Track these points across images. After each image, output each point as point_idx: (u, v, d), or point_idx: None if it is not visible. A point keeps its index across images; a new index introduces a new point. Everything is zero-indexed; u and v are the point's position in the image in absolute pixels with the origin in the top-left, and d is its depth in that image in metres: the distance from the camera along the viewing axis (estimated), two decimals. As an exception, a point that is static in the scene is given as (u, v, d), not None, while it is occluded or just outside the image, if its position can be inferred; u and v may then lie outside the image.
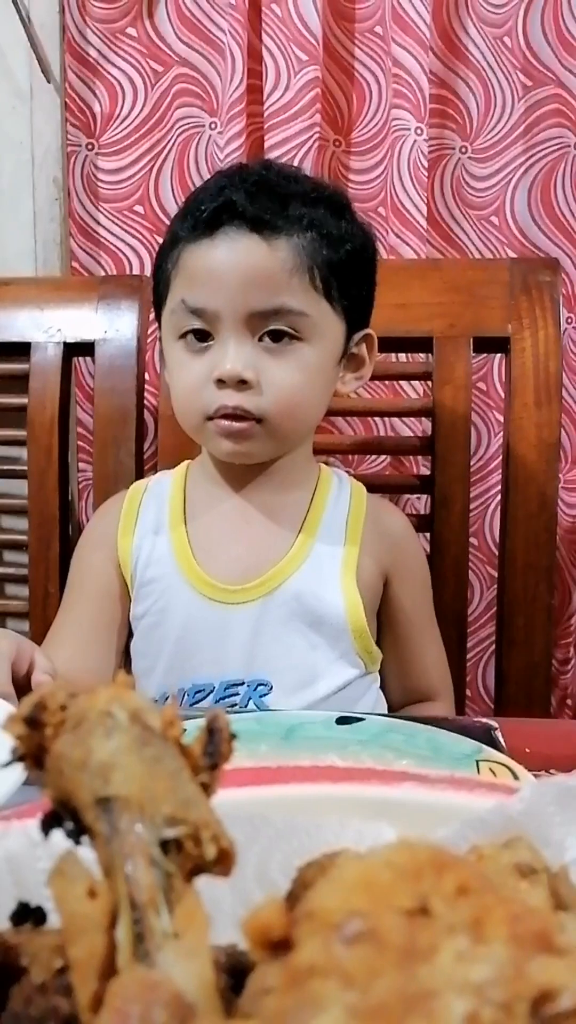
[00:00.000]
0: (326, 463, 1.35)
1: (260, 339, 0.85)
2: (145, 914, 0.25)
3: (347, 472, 1.13)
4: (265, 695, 0.90)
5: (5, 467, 1.28)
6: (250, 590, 0.91)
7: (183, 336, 0.87)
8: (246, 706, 0.89)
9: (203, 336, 0.86)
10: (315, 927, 0.21)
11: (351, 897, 0.21)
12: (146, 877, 0.26)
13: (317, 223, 0.87)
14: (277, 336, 0.85)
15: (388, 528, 0.98)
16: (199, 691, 0.91)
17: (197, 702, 0.90)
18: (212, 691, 0.90)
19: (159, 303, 0.93)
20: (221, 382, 0.85)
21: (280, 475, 0.94)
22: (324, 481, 0.98)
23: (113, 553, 0.96)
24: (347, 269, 0.89)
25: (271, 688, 0.90)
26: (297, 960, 0.21)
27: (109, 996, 0.24)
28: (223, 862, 0.27)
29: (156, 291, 0.94)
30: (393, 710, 1.00)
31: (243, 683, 0.90)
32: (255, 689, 0.90)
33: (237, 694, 0.90)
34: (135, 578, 0.95)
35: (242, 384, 0.84)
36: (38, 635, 1.19)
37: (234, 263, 0.84)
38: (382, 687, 1.00)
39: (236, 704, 0.89)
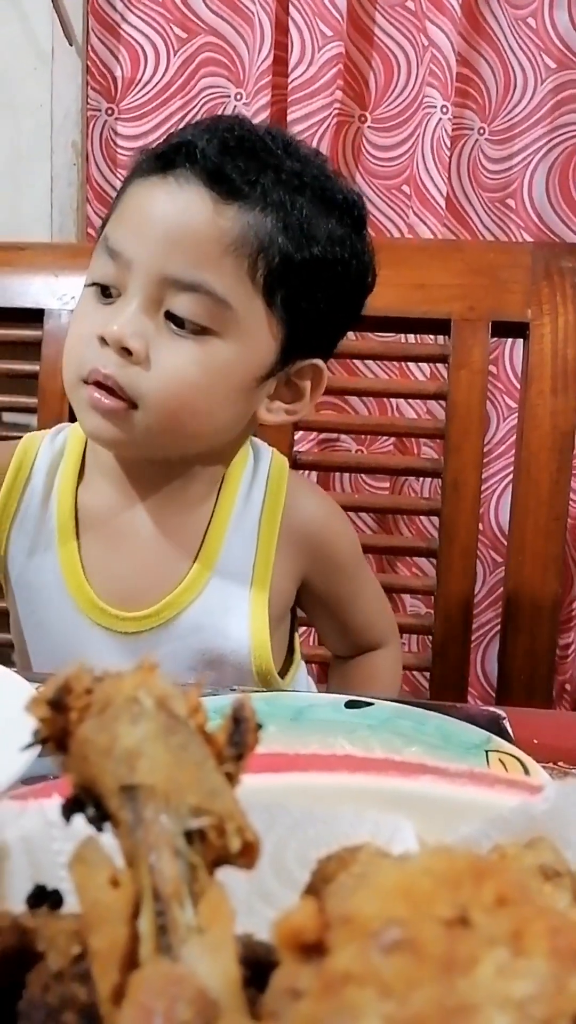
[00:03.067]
0: (336, 441, 1.35)
1: (167, 315, 0.72)
2: (169, 906, 0.25)
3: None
4: None
5: (15, 434, 1.25)
6: (141, 620, 0.81)
7: (93, 284, 0.75)
8: None
9: (104, 291, 0.74)
10: (351, 933, 0.20)
11: (389, 904, 0.21)
12: (170, 868, 0.25)
13: (290, 208, 0.72)
14: (183, 322, 0.72)
15: (308, 523, 0.86)
16: None
17: None
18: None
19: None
20: (104, 342, 0.71)
21: (180, 481, 0.81)
22: (234, 472, 0.84)
23: None
24: (308, 275, 0.74)
25: None
26: (332, 966, 0.20)
27: (132, 989, 0.23)
28: (247, 854, 0.27)
29: (101, 226, 0.80)
30: (338, 661, 0.96)
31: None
32: None
33: None
34: (11, 567, 0.83)
35: (126, 353, 0.71)
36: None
37: (167, 212, 0.71)
38: (322, 642, 0.95)
39: None
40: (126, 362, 0.71)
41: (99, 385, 0.72)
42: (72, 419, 1.18)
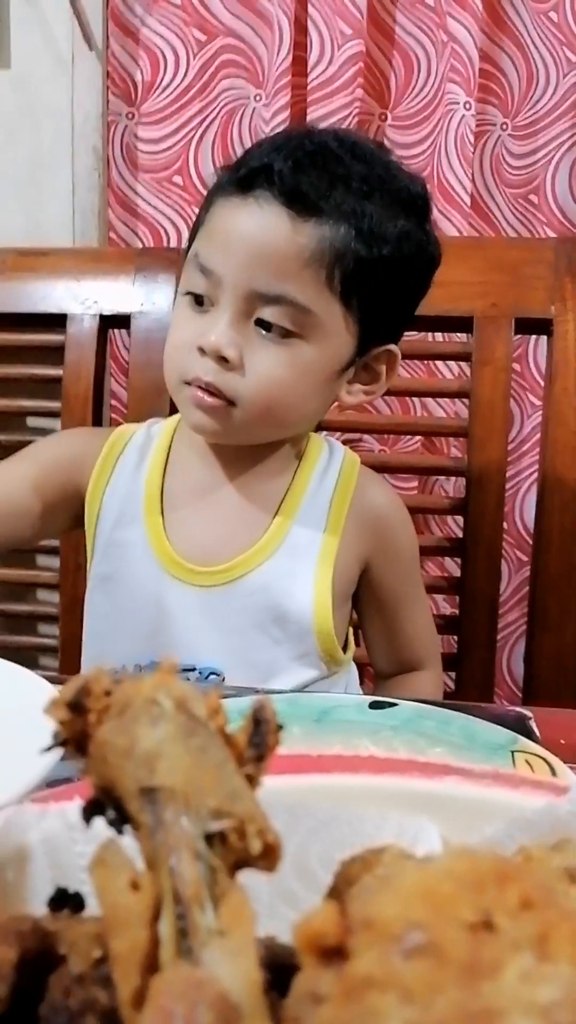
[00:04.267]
0: (359, 441, 1.35)
1: (257, 323, 0.79)
2: (190, 909, 0.25)
3: (384, 449, 1.10)
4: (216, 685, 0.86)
5: (39, 437, 1.27)
6: (216, 574, 0.87)
7: (188, 294, 0.82)
8: None
9: (198, 299, 0.81)
10: (373, 937, 0.20)
11: (411, 908, 0.20)
12: (191, 871, 0.25)
13: (361, 215, 0.78)
14: (272, 328, 0.79)
15: (374, 509, 0.92)
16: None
17: None
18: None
19: (187, 252, 0.86)
20: (203, 351, 0.79)
21: (264, 457, 0.89)
22: (310, 457, 0.92)
23: (80, 475, 0.92)
24: (379, 274, 0.80)
25: (223, 679, 0.86)
26: (354, 971, 0.20)
27: (153, 993, 0.23)
28: (268, 857, 0.27)
29: (189, 238, 0.87)
30: (381, 678, 0.98)
31: (195, 668, 0.86)
32: (207, 677, 0.86)
33: (188, 679, 0.87)
34: (99, 534, 0.91)
35: (223, 361, 0.78)
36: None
37: (250, 232, 0.77)
38: (369, 656, 0.98)
39: None
40: (223, 368, 0.79)
41: (199, 387, 0.80)
42: (97, 423, 1.19)
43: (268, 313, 0.78)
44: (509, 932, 0.20)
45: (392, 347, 0.87)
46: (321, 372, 0.82)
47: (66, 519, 0.94)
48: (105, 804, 0.28)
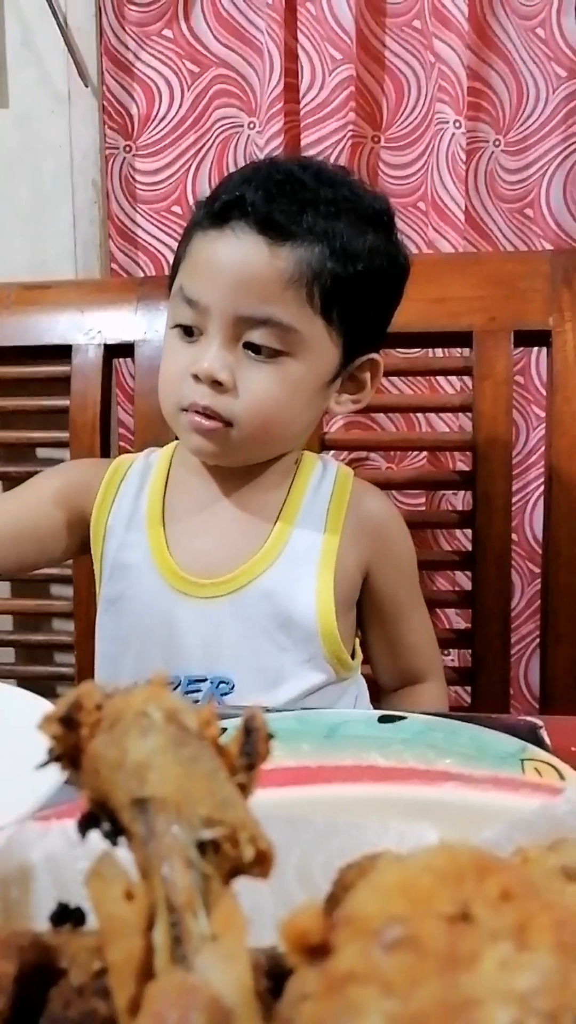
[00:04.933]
0: (365, 459, 1.35)
1: (245, 345, 0.83)
2: (182, 916, 0.25)
3: (392, 463, 1.11)
4: (227, 693, 0.88)
5: (47, 469, 1.29)
6: (219, 585, 0.89)
7: (176, 326, 0.86)
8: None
9: (192, 332, 0.85)
10: (354, 933, 0.20)
11: (390, 902, 0.21)
12: (183, 879, 0.26)
13: (332, 235, 0.82)
14: (260, 349, 0.82)
15: (370, 516, 0.94)
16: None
17: None
18: (178, 685, 0.89)
19: (171, 286, 0.90)
20: (197, 378, 0.83)
21: (260, 473, 0.92)
22: (305, 469, 0.95)
23: (84, 502, 0.95)
24: (355, 289, 0.84)
25: (233, 687, 0.88)
26: (335, 966, 0.20)
27: (147, 1000, 0.24)
28: (261, 864, 0.27)
29: (171, 273, 0.91)
30: (384, 692, 0.99)
31: (206, 679, 0.88)
32: (217, 686, 0.88)
33: (200, 690, 0.88)
34: (105, 556, 0.93)
35: (216, 385, 0.82)
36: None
37: (231, 262, 0.81)
38: (372, 671, 0.99)
39: (199, 701, 0.87)
40: (218, 392, 0.83)
41: (196, 412, 0.83)
42: (105, 452, 1.20)
43: (255, 335, 0.82)
44: (487, 923, 0.20)
45: (375, 356, 0.90)
46: (310, 386, 0.86)
47: (70, 545, 0.96)
48: (100, 817, 0.28)
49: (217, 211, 0.83)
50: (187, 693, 0.88)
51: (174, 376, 0.85)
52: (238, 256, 0.81)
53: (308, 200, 0.83)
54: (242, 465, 0.90)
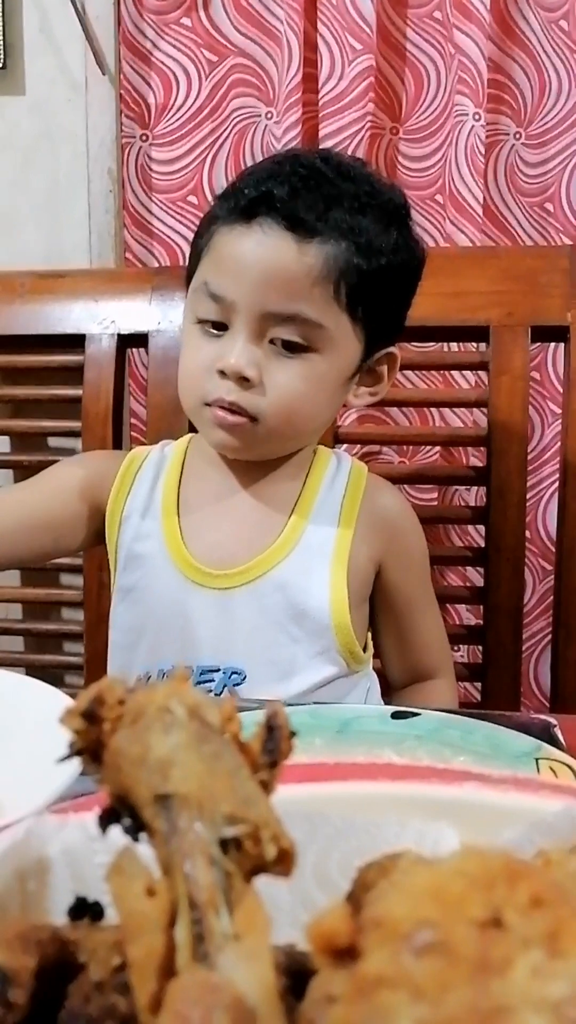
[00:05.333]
0: (378, 453, 1.35)
1: (271, 341, 0.83)
2: (205, 914, 0.25)
3: (403, 459, 1.10)
4: (239, 684, 0.88)
5: (60, 457, 1.28)
6: (234, 576, 0.89)
7: (200, 321, 0.85)
8: (219, 694, 0.87)
9: (215, 325, 0.84)
10: (383, 936, 0.20)
11: (421, 906, 0.20)
12: (205, 876, 0.25)
13: (357, 231, 0.83)
14: (287, 345, 0.83)
15: (384, 511, 0.95)
16: None
17: None
18: (190, 675, 0.89)
19: (189, 277, 0.90)
20: (223, 373, 0.83)
21: (276, 466, 0.92)
22: (320, 463, 0.95)
23: (99, 493, 0.95)
24: (379, 284, 0.85)
25: (245, 678, 0.88)
26: (364, 970, 0.20)
27: (169, 998, 0.23)
28: (283, 862, 0.27)
29: (189, 266, 0.91)
30: (394, 689, 0.99)
31: (219, 670, 0.88)
32: (230, 677, 0.88)
33: (212, 680, 0.88)
34: (120, 547, 0.93)
35: (243, 381, 0.82)
36: (91, 626, 1.20)
37: (259, 258, 0.81)
38: (382, 668, 0.99)
39: (211, 691, 0.88)
40: (243, 387, 0.83)
41: (221, 407, 0.84)
42: (117, 442, 1.20)
43: (282, 331, 0.82)
44: (519, 929, 0.20)
45: (392, 349, 0.91)
46: (334, 381, 0.86)
47: (86, 535, 0.96)
48: (120, 812, 0.28)
49: (244, 206, 0.82)
50: (199, 683, 0.88)
51: (197, 371, 0.85)
52: (267, 253, 0.81)
53: (333, 195, 0.83)
54: (264, 459, 0.90)
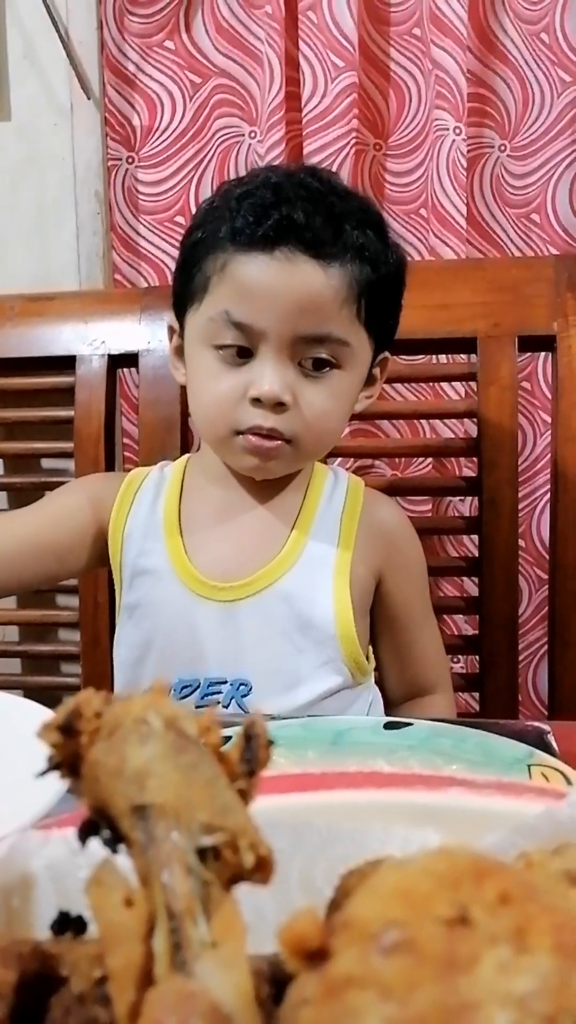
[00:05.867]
0: (371, 466, 1.35)
1: (299, 363, 0.84)
2: (182, 923, 0.25)
3: (402, 472, 1.11)
4: (246, 695, 0.89)
5: (53, 479, 1.28)
6: (238, 588, 0.90)
7: (219, 347, 0.85)
8: (228, 706, 0.88)
9: (240, 351, 0.84)
10: (352, 937, 0.20)
11: (388, 906, 0.20)
12: (183, 885, 0.26)
13: (364, 247, 0.85)
14: (316, 364, 0.84)
15: (383, 524, 0.96)
16: (186, 687, 0.90)
17: (184, 698, 0.89)
18: (198, 687, 0.89)
19: (186, 300, 0.88)
20: (257, 401, 0.83)
21: (282, 480, 0.93)
22: (318, 478, 0.96)
23: (101, 514, 0.96)
24: (383, 294, 0.87)
25: (251, 689, 0.89)
26: (334, 971, 0.20)
27: (146, 1006, 0.23)
28: (262, 870, 0.27)
29: (184, 286, 0.89)
30: (393, 705, 0.99)
31: (226, 682, 0.89)
32: (237, 688, 0.89)
33: (220, 692, 0.89)
34: (124, 565, 0.94)
35: (279, 406, 0.83)
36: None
37: (289, 286, 0.82)
38: (381, 683, 0.99)
39: (219, 703, 0.88)
40: (278, 412, 0.84)
41: (256, 434, 0.84)
42: (110, 462, 1.20)
43: (311, 352, 0.84)
44: (486, 926, 0.20)
45: (386, 353, 0.93)
46: (354, 393, 0.90)
47: (89, 557, 0.97)
48: (99, 824, 0.28)
49: (264, 235, 0.82)
50: (207, 696, 0.89)
51: (225, 400, 0.85)
52: (295, 282, 0.82)
53: (336, 215, 0.84)
54: (282, 475, 0.92)
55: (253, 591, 0.90)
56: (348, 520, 0.94)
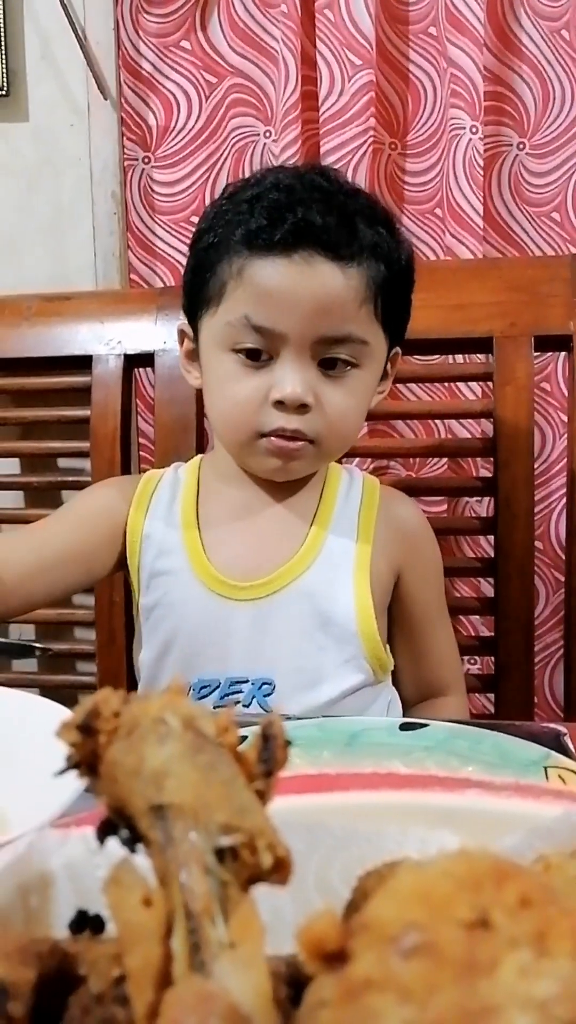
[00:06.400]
0: (386, 467, 1.35)
1: (319, 363, 0.84)
2: (200, 923, 0.25)
3: (412, 472, 1.11)
4: (269, 694, 0.89)
5: (70, 478, 1.29)
6: (259, 587, 0.90)
7: (238, 351, 0.85)
8: (249, 705, 0.88)
9: (258, 354, 0.84)
10: (371, 939, 0.20)
11: (408, 909, 0.20)
12: (201, 886, 0.26)
13: (379, 245, 0.85)
14: (333, 364, 0.85)
15: (401, 521, 0.96)
16: (204, 686, 0.90)
17: (203, 697, 0.89)
18: (218, 687, 0.89)
19: (201, 304, 0.88)
20: (280, 403, 0.83)
21: (299, 480, 0.93)
22: (333, 476, 0.97)
23: (119, 518, 0.95)
24: (397, 291, 0.87)
25: (274, 687, 0.89)
26: (353, 973, 0.20)
27: (165, 1007, 0.24)
28: (280, 871, 0.27)
29: (197, 291, 0.88)
30: (407, 705, 0.99)
31: (247, 680, 0.89)
32: (259, 688, 0.89)
33: (241, 691, 0.89)
34: (142, 567, 0.94)
35: (302, 408, 0.83)
36: (103, 645, 1.21)
37: (311, 289, 0.82)
38: (395, 683, 0.99)
39: (240, 702, 0.88)
40: (301, 413, 0.84)
41: (280, 436, 0.85)
42: (126, 462, 1.20)
43: (331, 352, 0.84)
44: (506, 929, 0.20)
45: (397, 349, 0.93)
46: (371, 391, 0.90)
47: (111, 561, 0.96)
48: (117, 824, 0.28)
49: (281, 240, 0.82)
50: (228, 695, 0.89)
51: (247, 403, 0.85)
52: (316, 285, 0.82)
53: (349, 215, 0.84)
54: (302, 476, 0.92)
55: (274, 589, 0.90)
56: (366, 516, 0.94)
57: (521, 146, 1.31)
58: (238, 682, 0.89)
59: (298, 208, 0.82)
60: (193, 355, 0.93)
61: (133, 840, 0.28)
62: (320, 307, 0.82)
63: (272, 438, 0.85)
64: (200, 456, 1.01)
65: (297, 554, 0.91)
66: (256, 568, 0.91)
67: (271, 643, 0.90)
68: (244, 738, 0.31)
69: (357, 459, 1.25)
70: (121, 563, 0.96)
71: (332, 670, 0.90)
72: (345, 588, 0.91)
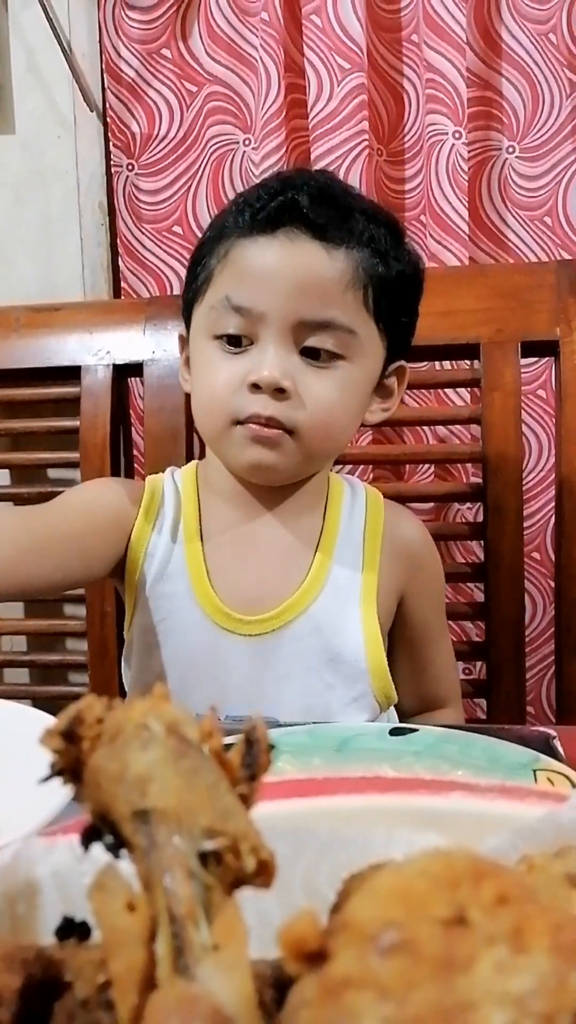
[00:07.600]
0: (376, 474, 1.35)
1: (302, 352, 0.81)
2: (184, 927, 0.25)
3: (415, 483, 1.10)
4: None
5: (60, 489, 1.29)
6: (265, 622, 0.87)
7: (219, 337, 0.82)
8: None
9: (239, 341, 0.81)
10: (350, 938, 0.20)
11: (386, 907, 0.21)
12: (184, 890, 0.26)
13: (376, 240, 0.83)
14: (319, 354, 0.81)
15: (406, 542, 0.93)
16: None
17: None
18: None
19: (192, 299, 0.87)
20: (256, 387, 0.79)
21: (293, 492, 0.89)
22: (335, 493, 0.93)
23: (126, 520, 0.90)
24: (397, 293, 0.85)
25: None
26: (332, 972, 0.20)
27: (149, 1010, 0.24)
28: (263, 874, 0.27)
29: (190, 287, 0.87)
30: (403, 718, 0.97)
31: (249, 718, 0.85)
32: None
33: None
34: (140, 583, 0.89)
35: (279, 393, 0.79)
36: (94, 655, 1.20)
37: (291, 266, 0.79)
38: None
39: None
40: (279, 399, 0.80)
41: (256, 422, 0.80)
42: (116, 472, 1.21)
43: (315, 339, 0.81)
44: (483, 927, 0.20)
45: (403, 362, 0.90)
46: (363, 391, 0.86)
47: (111, 562, 0.90)
48: (102, 829, 0.28)
49: (267, 216, 0.81)
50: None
51: (223, 389, 0.81)
52: (297, 261, 0.80)
53: (348, 206, 0.83)
54: (291, 480, 0.87)
55: (279, 624, 0.86)
56: (371, 539, 0.91)
57: (511, 150, 1.31)
58: (241, 719, 0.86)
59: (289, 191, 0.81)
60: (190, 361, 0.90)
61: (117, 846, 0.28)
62: (301, 286, 0.79)
63: (249, 424, 0.80)
64: (195, 463, 0.97)
65: (302, 586, 0.88)
66: (260, 599, 0.87)
67: (275, 680, 0.86)
68: (230, 746, 0.31)
69: (348, 467, 1.26)
70: (119, 568, 0.91)
71: (340, 709, 0.87)
72: (353, 621, 0.87)
